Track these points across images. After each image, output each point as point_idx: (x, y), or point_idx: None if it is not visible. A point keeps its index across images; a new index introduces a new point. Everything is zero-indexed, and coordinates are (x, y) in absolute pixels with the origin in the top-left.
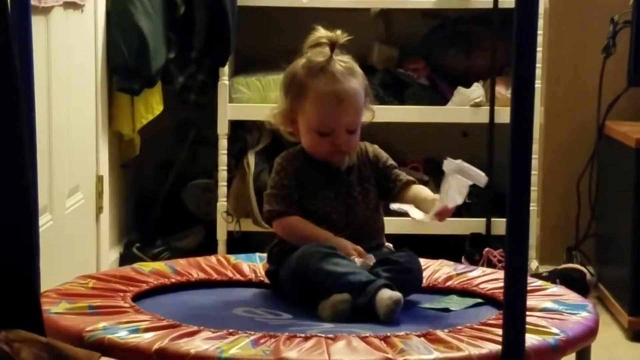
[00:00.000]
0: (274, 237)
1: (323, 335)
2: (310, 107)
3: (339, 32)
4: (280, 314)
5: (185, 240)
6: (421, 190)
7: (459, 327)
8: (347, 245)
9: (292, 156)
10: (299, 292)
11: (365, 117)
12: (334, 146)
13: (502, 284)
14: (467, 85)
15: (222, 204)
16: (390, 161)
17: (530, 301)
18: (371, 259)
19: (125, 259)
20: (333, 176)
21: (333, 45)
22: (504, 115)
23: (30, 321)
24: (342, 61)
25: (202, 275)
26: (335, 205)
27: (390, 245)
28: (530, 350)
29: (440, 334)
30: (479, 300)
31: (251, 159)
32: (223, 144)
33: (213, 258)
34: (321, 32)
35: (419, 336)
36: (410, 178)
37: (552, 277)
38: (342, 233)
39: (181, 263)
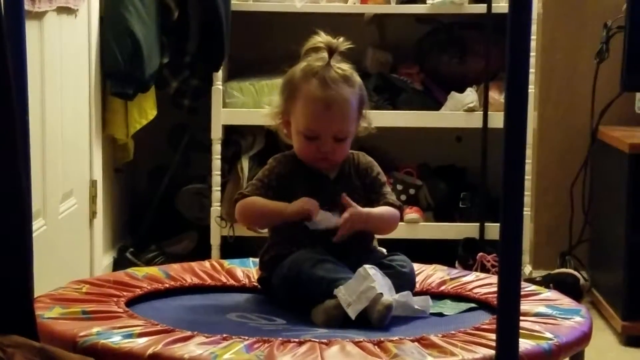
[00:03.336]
0: (265, 243)
1: (317, 340)
2: (299, 110)
3: (341, 39)
4: (274, 319)
5: (179, 245)
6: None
7: (453, 332)
8: (302, 203)
9: (284, 159)
10: (292, 299)
11: (360, 128)
12: (319, 152)
13: (495, 289)
14: (461, 90)
15: (215, 208)
16: (381, 176)
17: (524, 306)
18: (331, 218)
19: (119, 263)
20: (321, 184)
21: (331, 50)
22: (497, 120)
23: (24, 326)
24: (340, 68)
25: (195, 280)
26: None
27: (384, 250)
28: (524, 355)
29: (434, 338)
30: (473, 305)
31: (245, 163)
32: (217, 148)
33: (207, 263)
34: (320, 37)
35: (412, 341)
36: (395, 202)
37: (545, 282)
38: (329, 241)
39: (175, 268)
